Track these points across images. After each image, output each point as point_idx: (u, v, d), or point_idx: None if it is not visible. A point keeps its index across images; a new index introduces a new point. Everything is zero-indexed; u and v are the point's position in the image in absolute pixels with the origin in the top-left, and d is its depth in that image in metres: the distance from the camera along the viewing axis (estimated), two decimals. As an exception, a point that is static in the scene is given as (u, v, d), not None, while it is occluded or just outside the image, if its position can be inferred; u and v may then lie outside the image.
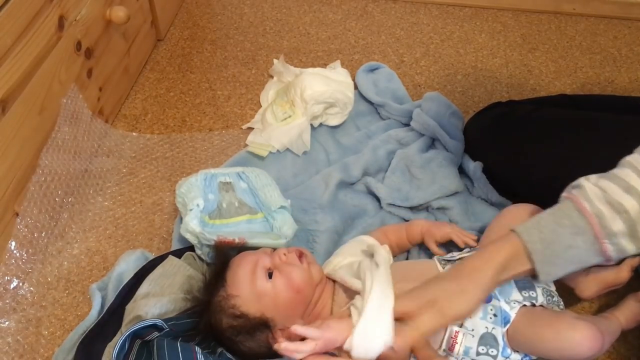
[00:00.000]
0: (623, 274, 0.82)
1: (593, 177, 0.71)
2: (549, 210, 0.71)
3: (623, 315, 0.81)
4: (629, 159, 0.71)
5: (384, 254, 0.79)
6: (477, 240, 0.90)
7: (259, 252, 0.82)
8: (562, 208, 0.70)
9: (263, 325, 0.75)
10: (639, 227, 0.66)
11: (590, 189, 0.69)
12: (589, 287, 0.83)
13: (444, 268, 0.81)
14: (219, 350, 0.78)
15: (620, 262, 0.83)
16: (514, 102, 1.16)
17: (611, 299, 0.89)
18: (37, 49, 0.92)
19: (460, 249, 0.88)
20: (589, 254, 0.68)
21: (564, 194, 0.72)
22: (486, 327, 0.75)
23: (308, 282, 0.78)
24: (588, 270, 0.84)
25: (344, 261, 0.84)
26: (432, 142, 1.15)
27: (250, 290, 0.76)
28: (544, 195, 0.90)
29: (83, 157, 1.08)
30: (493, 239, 0.85)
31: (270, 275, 0.77)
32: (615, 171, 0.70)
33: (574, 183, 0.72)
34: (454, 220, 0.99)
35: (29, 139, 0.93)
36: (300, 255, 0.81)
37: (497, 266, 0.69)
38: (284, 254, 0.79)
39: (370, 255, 0.82)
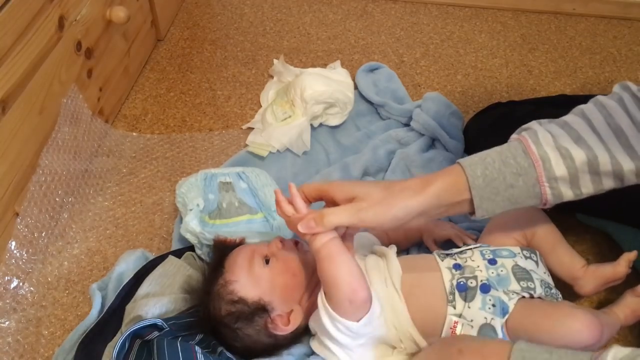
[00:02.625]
0: (621, 269, 0.82)
1: (545, 121, 0.73)
2: (497, 148, 0.72)
3: (622, 311, 0.81)
4: (583, 107, 0.72)
5: (395, 264, 0.81)
6: (476, 240, 0.90)
7: (256, 244, 0.84)
8: (510, 148, 0.71)
9: (261, 310, 0.76)
10: (580, 176, 0.69)
11: (540, 132, 0.70)
12: (587, 284, 0.83)
13: (442, 261, 0.81)
14: (219, 349, 0.78)
15: (617, 257, 0.84)
16: (514, 102, 1.16)
17: (609, 296, 0.89)
18: (37, 49, 0.92)
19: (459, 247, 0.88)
20: (527, 195, 0.70)
21: (514, 135, 0.73)
22: (485, 318, 0.75)
23: (304, 267, 0.79)
24: (586, 266, 0.84)
25: None
26: (432, 142, 1.15)
27: (247, 275, 0.77)
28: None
29: (83, 157, 1.08)
30: (492, 238, 0.86)
31: (267, 262, 0.79)
32: (569, 119, 0.72)
33: (526, 125, 0.73)
34: (453, 219, 0.99)
35: (29, 139, 0.93)
36: (297, 244, 0.82)
37: (431, 193, 0.70)
38: (281, 242, 0.81)
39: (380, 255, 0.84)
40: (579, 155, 0.68)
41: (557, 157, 0.69)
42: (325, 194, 0.74)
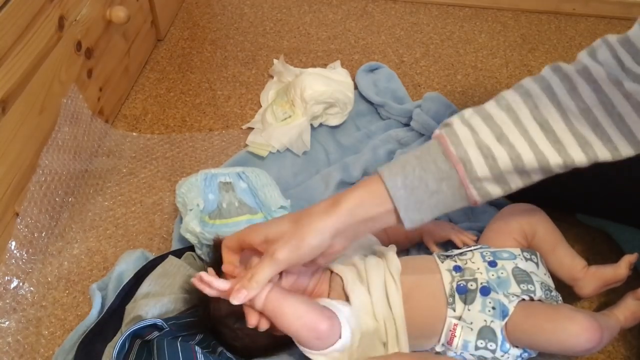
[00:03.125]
0: (621, 271, 0.82)
1: (468, 112, 0.68)
2: (417, 152, 0.67)
3: (622, 313, 0.81)
4: (508, 98, 0.67)
5: (395, 261, 0.81)
6: (477, 241, 0.90)
7: None
8: (429, 150, 0.67)
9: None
10: (506, 175, 0.66)
11: (460, 129, 0.66)
12: (587, 285, 0.83)
13: (442, 263, 0.81)
14: (219, 349, 0.78)
15: (618, 259, 0.84)
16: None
17: (610, 298, 0.89)
18: (37, 49, 0.92)
19: (459, 248, 0.88)
20: (454, 199, 0.67)
21: (435, 131, 0.69)
22: (485, 320, 0.75)
23: (304, 267, 0.78)
24: (587, 268, 0.84)
25: (342, 256, 0.85)
26: (432, 142, 1.15)
27: None
28: (543, 194, 0.90)
29: (83, 157, 1.08)
30: (492, 239, 0.86)
31: None
32: (493, 111, 0.67)
33: (448, 120, 0.69)
34: (453, 220, 1.00)
35: (29, 139, 0.93)
36: None
37: (343, 210, 0.66)
38: None
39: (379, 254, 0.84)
40: (501, 155, 0.65)
41: (478, 157, 0.65)
42: (243, 242, 0.72)
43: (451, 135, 0.66)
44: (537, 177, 0.67)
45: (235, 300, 0.67)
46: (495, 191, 0.67)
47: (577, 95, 0.65)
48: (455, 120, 0.68)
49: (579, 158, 0.65)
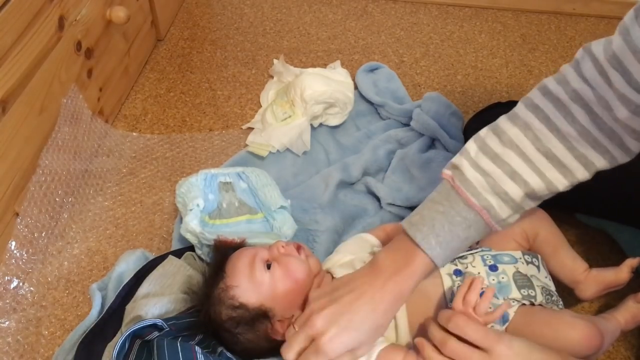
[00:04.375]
0: (623, 275, 0.82)
1: (472, 150, 0.72)
2: (439, 208, 0.71)
3: (622, 316, 0.81)
4: (510, 134, 0.71)
5: None
6: (477, 243, 0.90)
7: (257, 247, 0.82)
8: (451, 204, 0.71)
9: (262, 315, 0.75)
10: (523, 205, 0.72)
11: (473, 176, 0.70)
12: (588, 288, 0.83)
13: (443, 266, 0.81)
14: (219, 349, 0.78)
15: (618, 260, 0.84)
16: (514, 102, 1.15)
17: (611, 300, 0.89)
18: (37, 49, 0.92)
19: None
20: (480, 236, 0.73)
21: (446, 172, 0.73)
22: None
23: (306, 273, 0.78)
24: (588, 271, 0.84)
25: (343, 259, 0.85)
26: (432, 142, 1.15)
27: (249, 280, 0.76)
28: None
29: (83, 157, 1.08)
30: (494, 240, 0.86)
31: (269, 267, 0.78)
32: (498, 150, 0.71)
33: (455, 162, 0.73)
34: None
35: (29, 139, 0.93)
36: (299, 248, 0.81)
37: (409, 295, 0.71)
38: (282, 247, 0.80)
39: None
40: (517, 193, 0.70)
41: (498, 202, 0.70)
42: None
43: (466, 183, 0.71)
44: (548, 197, 0.74)
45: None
46: (514, 218, 0.73)
47: (574, 121, 0.68)
48: (464, 163, 0.72)
49: (583, 175, 0.71)
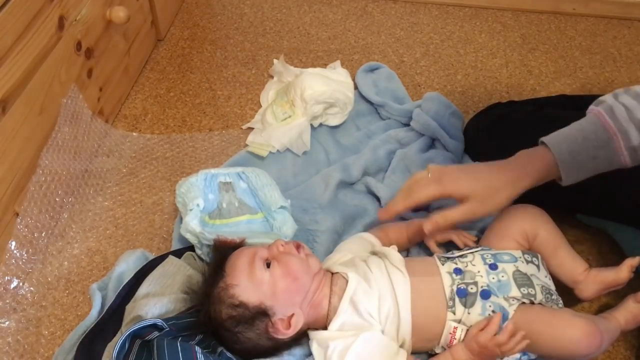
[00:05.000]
0: (623, 274, 0.82)
1: (621, 91, 0.80)
2: (577, 125, 0.80)
3: (622, 316, 0.81)
4: None
5: (397, 255, 0.82)
6: (477, 241, 0.90)
7: (257, 246, 0.83)
8: (589, 123, 0.79)
9: (262, 314, 0.76)
10: None
11: (615, 106, 0.78)
12: (588, 288, 0.83)
13: (442, 265, 0.81)
14: (219, 349, 0.78)
15: (618, 259, 0.84)
16: (514, 102, 1.16)
17: (611, 300, 0.89)
18: (37, 49, 0.92)
19: (460, 249, 0.88)
20: (609, 163, 0.79)
21: (591, 107, 0.81)
22: None
23: (305, 271, 0.79)
24: (588, 270, 0.84)
25: (343, 257, 0.85)
26: (432, 142, 1.15)
27: (248, 279, 0.77)
28: (543, 195, 0.90)
29: (83, 157, 1.08)
30: (494, 240, 0.86)
31: (268, 266, 0.78)
32: (638, 89, 0.79)
33: (602, 98, 0.81)
34: (454, 220, 0.99)
35: (29, 139, 0.93)
36: (298, 247, 0.82)
37: (530, 182, 0.81)
38: (282, 245, 0.80)
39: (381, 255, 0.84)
40: None
41: (633, 129, 0.76)
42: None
43: (608, 111, 0.78)
44: None
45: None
46: None
47: None
48: (609, 98, 0.80)
49: None
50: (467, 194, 0.81)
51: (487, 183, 0.82)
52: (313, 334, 0.79)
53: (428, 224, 0.83)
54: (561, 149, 0.79)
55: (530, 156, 0.82)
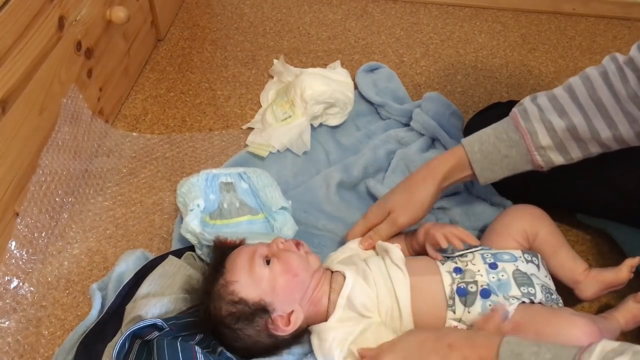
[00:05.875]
0: (623, 274, 0.82)
1: (542, 94, 0.83)
2: (493, 126, 0.85)
3: (622, 316, 0.81)
4: (571, 81, 0.81)
5: (398, 253, 0.82)
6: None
7: (256, 244, 0.83)
8: (502, 124, 0.84)
9: (262, 310, 0.76)
10: (566, 143, 0.80)
11: (529, 107, 0.82)
12: (588, 288, 0.83)
13: (442, 264, 0.81)
14: (219, 349, 0.78)
15: (618, 260, 0.84)
16: (514, 102, 1.16)
17: (611, 300, 0.89)
18: (37, 49, 0.92)
19: (460, 249, 0.88)
20: (522, 163, 0.83)
21: (512, 109, 0.84)
22: None
23: (305, 268, 0.79)
24: (588, 270, 0.84)
25: (342, 255, 0.86)
26: (432, 142, 1.15)
27: (248, 275, 0.77)
28: (543, 195, 0.90)
29: (83, 157, 1.08)
30: (494, 239, 0.86)
31: (268, 262, 0.79)
32: (557, 92, 0.82)
33: (522, 100, 0.85)
34: (454, 220, 1.00)
35: (29, 139, 0.93)
36: (298, 244, 0.82)
37: (442, 176, 0.85)
38: (282, 242, 0.81)
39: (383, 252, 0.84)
40: (559, 125, 0.79)
41: (542, 129, 0.80)
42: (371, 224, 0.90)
43: (522, 112, 0.82)
44: (594, 149, 0.80)
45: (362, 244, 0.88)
46: (558, 159, 0.82)
47: (626, 83, 0.76)
48: (527, 100, 0.84)
49: (627, 133, 0.77)
50: (389, 206, 0.88)
51: (402, 191, 0.88)
52: (313, 327, 0.79)
53: (364, 240, 0.88)
54: (473, 148, 0.83)
55: (446, 155, 0.87)
